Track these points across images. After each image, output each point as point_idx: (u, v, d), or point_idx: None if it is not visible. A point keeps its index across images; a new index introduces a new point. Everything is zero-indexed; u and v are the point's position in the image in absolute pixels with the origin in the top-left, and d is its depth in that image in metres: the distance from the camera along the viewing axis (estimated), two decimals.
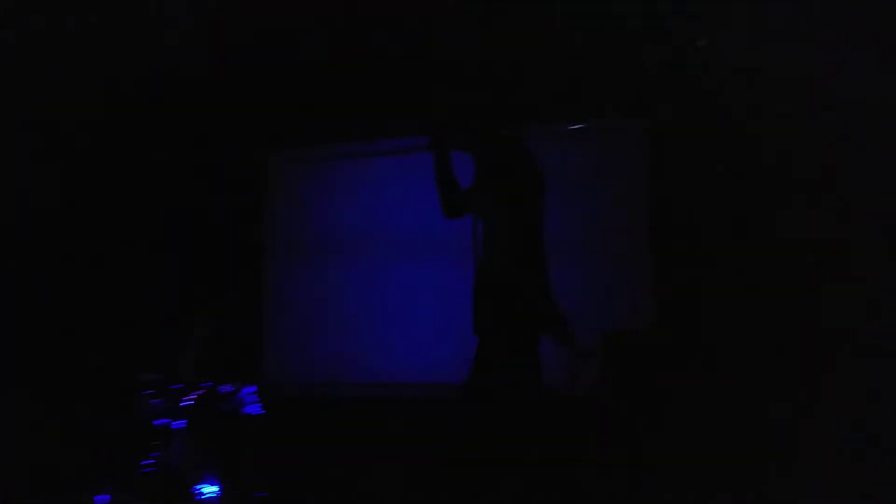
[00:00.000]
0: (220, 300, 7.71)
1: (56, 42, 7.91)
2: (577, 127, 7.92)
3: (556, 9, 7.71)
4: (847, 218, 6.64)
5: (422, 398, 7.74)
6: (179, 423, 6.45)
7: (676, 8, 7.26)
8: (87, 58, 8.13)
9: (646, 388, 6.37)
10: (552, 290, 5.26)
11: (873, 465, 5.96)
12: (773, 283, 6.78)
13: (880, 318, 6.39)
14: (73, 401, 7.12)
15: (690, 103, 7.18)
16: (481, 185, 5.38)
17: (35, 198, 8.22)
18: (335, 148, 8.83)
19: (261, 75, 8.42)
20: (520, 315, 5.08)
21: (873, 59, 6.63)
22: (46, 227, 8.12)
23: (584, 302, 6.83)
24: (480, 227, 5.34)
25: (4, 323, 7.45)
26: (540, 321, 5.19)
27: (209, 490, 6.25)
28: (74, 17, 7.78)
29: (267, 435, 6.70)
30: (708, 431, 6.38)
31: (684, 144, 7.23)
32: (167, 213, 8.22)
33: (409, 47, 7.97)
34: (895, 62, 6.60)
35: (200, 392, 6.54)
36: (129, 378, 6.53)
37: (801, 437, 6.24)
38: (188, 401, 6.49)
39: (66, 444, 6.77)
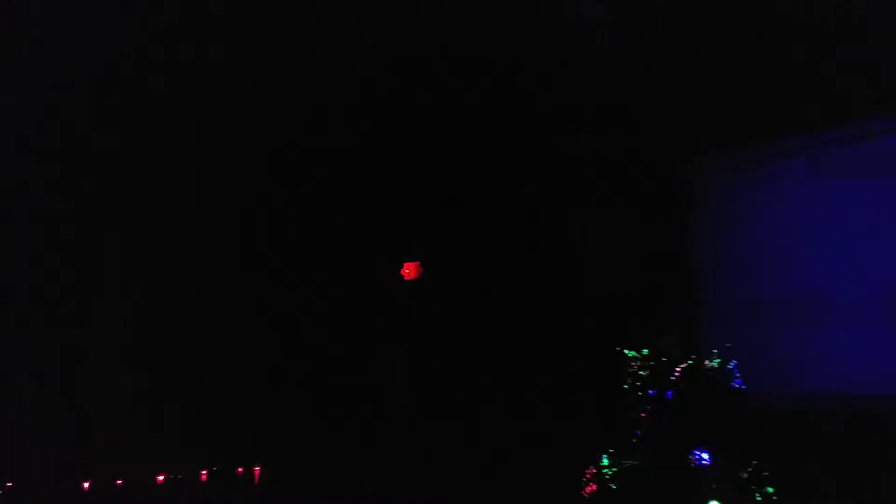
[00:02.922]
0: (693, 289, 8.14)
1: None
2: None
3: None
4: None
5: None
6: (668, 394, 6.90)
7: None
8: None
9: None
10: None
11: None
12: None
13: None
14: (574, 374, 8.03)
15: None
16: None
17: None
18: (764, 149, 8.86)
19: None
20: None
21: None
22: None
23: None
24: None
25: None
26: None
27: (704, 456, 6.57)
28: None
29: (751, 409, 6.87)
30: None
31: None
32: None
33: None
34: None
35: (686, 366, 6.93)
36: (621, 353, 7.15)
37: None
38: (676, 373, 6.92)
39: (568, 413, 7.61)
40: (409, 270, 11.21)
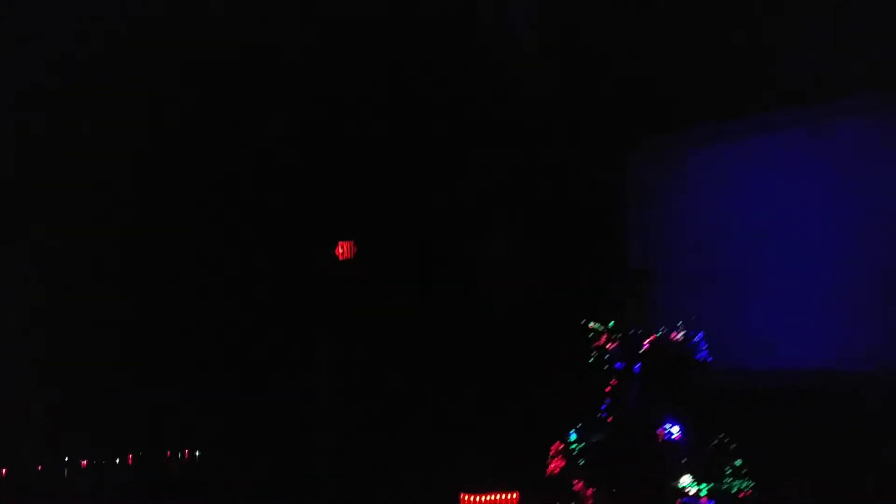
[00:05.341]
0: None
1: None
2: None
3: None
4: None
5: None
6: (636, 368, 6.73)
7: None
8: None
9: None
10: None
11: None
12: None
13: None
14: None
15: None
16: None
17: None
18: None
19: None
20: None
21: None
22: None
23: None
24: None
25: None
26: None
27: (675, 430, 6.45)
28: None
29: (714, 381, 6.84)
30: None
31: None
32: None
33: None
34: None
35: (653, 338, 6.78)
36: (585, 326, 6.92)
37: None
38: (643, 346, 6.76)
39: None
40: (344, 249, 11.14)
